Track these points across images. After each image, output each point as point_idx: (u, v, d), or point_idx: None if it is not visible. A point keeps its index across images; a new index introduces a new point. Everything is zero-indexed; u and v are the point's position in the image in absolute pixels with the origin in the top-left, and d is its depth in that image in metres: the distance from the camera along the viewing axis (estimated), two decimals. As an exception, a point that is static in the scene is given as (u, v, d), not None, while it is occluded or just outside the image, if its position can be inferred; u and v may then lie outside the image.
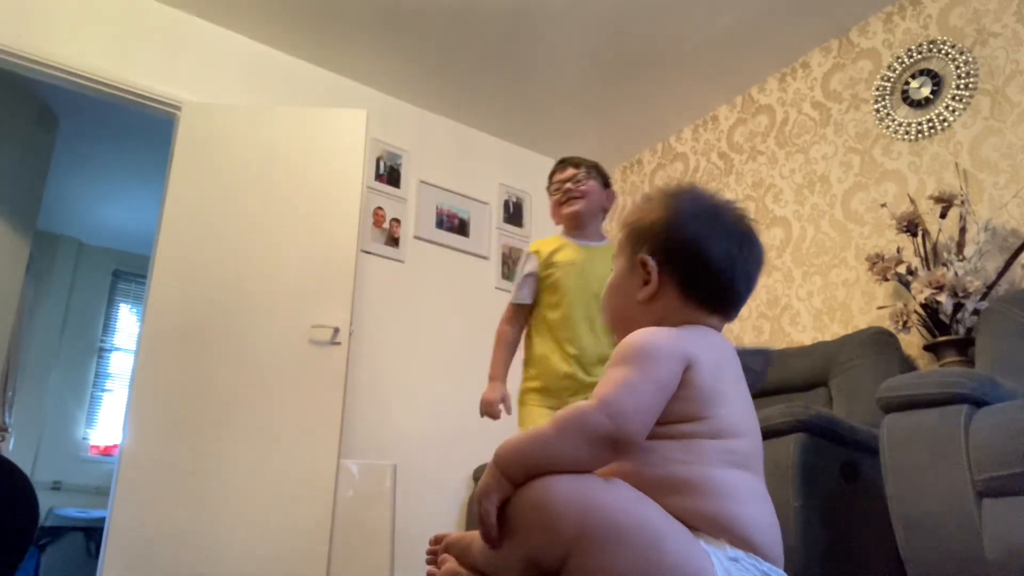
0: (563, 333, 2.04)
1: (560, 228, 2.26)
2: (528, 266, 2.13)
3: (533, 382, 2.07)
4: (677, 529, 0.77)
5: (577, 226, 2.17)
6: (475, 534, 0.90)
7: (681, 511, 0.79)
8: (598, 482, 0.78)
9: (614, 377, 0.83)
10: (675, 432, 0.84)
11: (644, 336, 0.87)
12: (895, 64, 2.96)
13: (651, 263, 0.94)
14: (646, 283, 0.94)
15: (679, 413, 0.84)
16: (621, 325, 0.98)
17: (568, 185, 2.16)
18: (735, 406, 0.87)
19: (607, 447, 0.79)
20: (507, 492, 0.79)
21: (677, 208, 0.95)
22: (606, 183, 2.22)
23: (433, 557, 1.04)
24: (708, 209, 0.95)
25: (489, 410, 2.06)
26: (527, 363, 2.13)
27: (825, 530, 1.77)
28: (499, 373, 2.11)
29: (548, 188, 2.25)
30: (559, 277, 2.08)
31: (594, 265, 2.08)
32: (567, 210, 2.15)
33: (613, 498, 0.76)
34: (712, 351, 0.89)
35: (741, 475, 0.84)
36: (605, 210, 2.21)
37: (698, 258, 0.92)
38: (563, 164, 2.23)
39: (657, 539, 0.74)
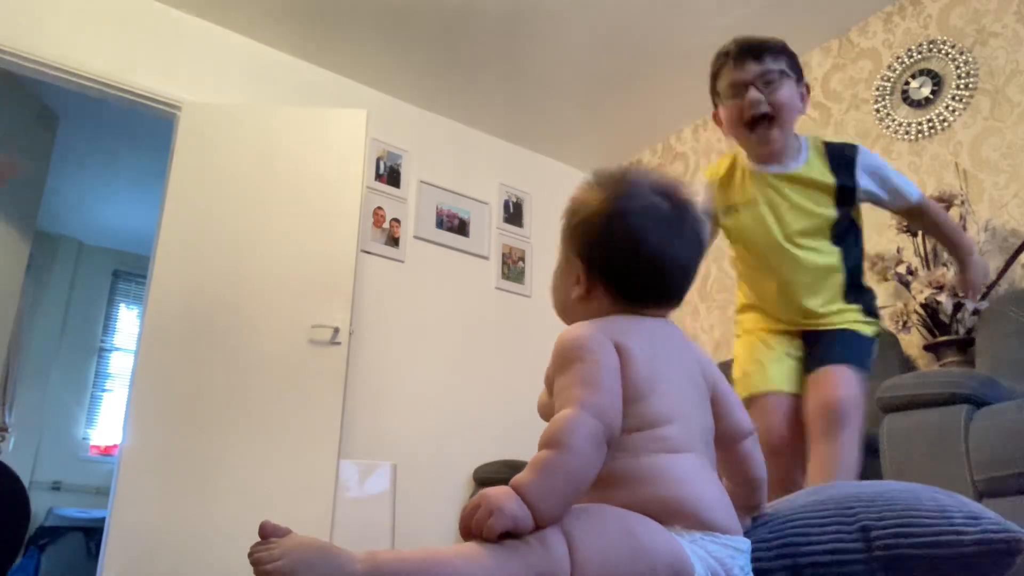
0: (759, 296, 1.69)
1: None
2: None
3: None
4: (644, 519, 0.76)
5: (772, 153, 1.58)
6: None
7: (628, 503, 0.77)
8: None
9: (573, 380, 0.81)
10: None
11: (574, 333, 0.85)
12: (895, 64, 2.96)
13: (580, 266, 0.92)
14: (578, 283, 0.92)
15: None
16: (563, 316, 0.97)
17: (754, 94, 1.51)
18: (668, 395, 0.85)
19: (604, 446, 0.78)
20: (526, 529, 0.71)
21: (607, 205, 0.91)
22: (800, 75, 1.59)
23: None
24: (641, 202, 0.90)
25: None
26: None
27: (825, 530, 1.76)
28: None
29: (715, 89, 1.62)
30: (739, 224, 1.63)
31: (786, 199, 1.58)
32: (759, 136, 1.54)
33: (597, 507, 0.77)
34: (648, 338, 0.87)
35: (674, 457, 0.82)
36: (801, 113, 1.61)
37: (626, 261, 0.89)
38: (743, 53, 1.54)
39: (629, 527, 0.74)
